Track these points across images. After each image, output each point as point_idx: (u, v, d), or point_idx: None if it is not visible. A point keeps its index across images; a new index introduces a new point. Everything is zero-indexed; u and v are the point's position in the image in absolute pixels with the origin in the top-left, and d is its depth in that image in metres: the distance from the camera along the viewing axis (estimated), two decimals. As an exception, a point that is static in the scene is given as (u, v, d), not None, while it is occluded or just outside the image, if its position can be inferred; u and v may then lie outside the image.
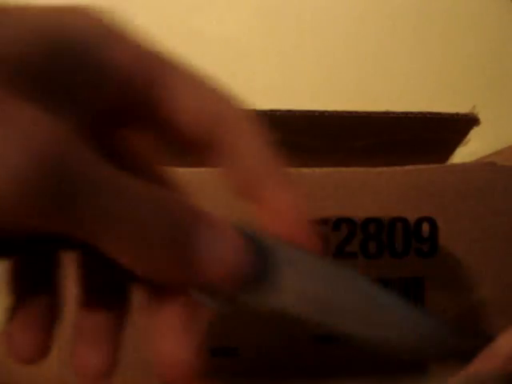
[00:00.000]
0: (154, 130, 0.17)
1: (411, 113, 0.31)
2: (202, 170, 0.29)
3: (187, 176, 0.29)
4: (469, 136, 0.33)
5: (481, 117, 0.31)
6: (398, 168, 0.30)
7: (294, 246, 0.16)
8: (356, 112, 0.31)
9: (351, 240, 0.29)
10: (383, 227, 0.29)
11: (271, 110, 0.30)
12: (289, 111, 0.31)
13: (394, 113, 0.31)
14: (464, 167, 0.30)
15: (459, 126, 0.32)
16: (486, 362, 0.19)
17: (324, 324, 0.16)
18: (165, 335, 0.15)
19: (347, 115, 0.31)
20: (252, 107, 0.31)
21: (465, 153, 0.35)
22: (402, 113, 0.31)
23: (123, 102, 0.15)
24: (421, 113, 0.31)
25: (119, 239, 0.13)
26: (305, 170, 0.29)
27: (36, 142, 0.12)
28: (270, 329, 0.29)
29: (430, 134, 0.33)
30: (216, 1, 0.59)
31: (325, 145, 0.33)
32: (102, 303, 0.17)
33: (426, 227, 0.29)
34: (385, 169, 0.29)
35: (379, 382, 0.29)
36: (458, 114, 0.31)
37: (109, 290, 0.17)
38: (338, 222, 0.29)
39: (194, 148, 0.17)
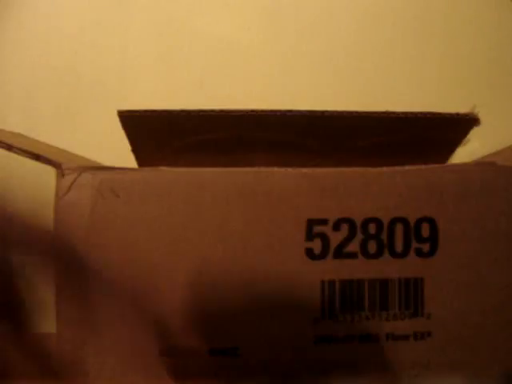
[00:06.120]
0: None
1: (411, 113, 0.31)
2: (202, 170, 0.29)
3: (188, 176, 0.29)
4: (469, 136, 0.33)
5: (481, 117, 0.31)
6: (397, 168, 0.30)
7: None
8: (356, 112, 0.31)
9: (351, 240, 0.29)
10: (383, 227, 0.29)
11: (271, 110, 0.30)
12: (289, 111, 0.31)
13: (394, 113, 0.31)
14: (464, 167, 0.30)
15: (459, 125, 0.32)
16: None
17: None
18: None
19: (347, 115, 0.31)
20: (252, 107, 0.31)
21: (465, 153, 0.35)
22: (402, 113, 0.31)
23: None
24: (421, 113, 0.31)
25: None
26: (305, 170, 0.29)
27: None
28: (270, 329, 0.29)
29: (430, 134, 0.33)
30: (216, 1, 0.59)
31: (325, 145, 0.33)
32: None
33: (426, 227, 0.29)
34: (385, 169, 0.29)
35: (379, 382, 0.29)
36: (458, 114, 0.31)
37: None
38: (338, 222, 0.29)
39: None
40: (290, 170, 0.29)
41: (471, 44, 0.58)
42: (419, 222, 0.29)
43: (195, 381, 0.29)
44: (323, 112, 0.31)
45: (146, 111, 0.30)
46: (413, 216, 0.29)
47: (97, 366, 0.28)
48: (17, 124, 0.56)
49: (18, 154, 0.28)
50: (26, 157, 0.28)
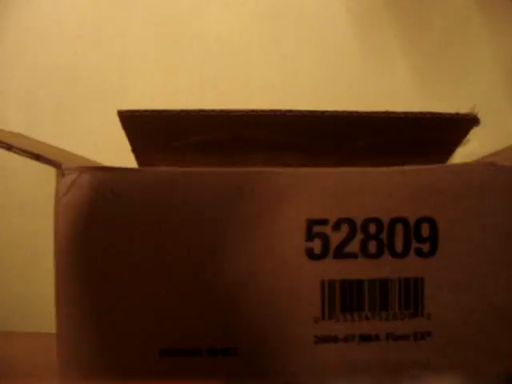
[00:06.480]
0: None
1: (411, 113, 0.31)
2: (202, 170, 0.29)
3: (187, 176, 0.29)
4: (469, 136, 0.33)
5: (481, 117, 0.31)
6: (397, 168, 0.30)
7: None
8: (356, 112, 0.31)
9: (351, 240, 0.29)
10: (383, 227, 0.29)
11: (271, 110, 0.30)
12: (289, 111, 0.31)
13: (393, 113, 0.31)
14: (464, 167, 0.30)
15: (459, 125, 0.32)
16: None
17: None
18: None
19: (347, 115, 0.31)
20: (252, 107, 0.31)
21: (465, 153, 0.35)
22: (402, 113, 0.31)
23: None
24: (421, 113, 0.31)
25: None
26: (305, 170, 0.29)
27: None
28: (269, 329, 0.29)
29: (430, 134, 0.33)
30: (216, 1, 0.59)
31: (325, 145, 0.33)
32: None
33: (425, 227, 0.29)
34: (385, 169, 0.29)
35: (379, 382, 0.29)
36: (458, 114, 0.31)
37: None
38: (338, 222, 0.29)
39: None
40: (290, 169, 0.29)
41: (471, 44, 0.58)
42: (419, 221, 0.29)
43: (195, 381, 0.29)
44: (323, 112, 0.31)
45: (145, 111, 0.30)
46: (413, 216, 0.29)
47: (96, 366, 0.28)
48: (17, 124, 0.56)
49: (18, 153, 0.28)
50: (26, 157, 0.28)
